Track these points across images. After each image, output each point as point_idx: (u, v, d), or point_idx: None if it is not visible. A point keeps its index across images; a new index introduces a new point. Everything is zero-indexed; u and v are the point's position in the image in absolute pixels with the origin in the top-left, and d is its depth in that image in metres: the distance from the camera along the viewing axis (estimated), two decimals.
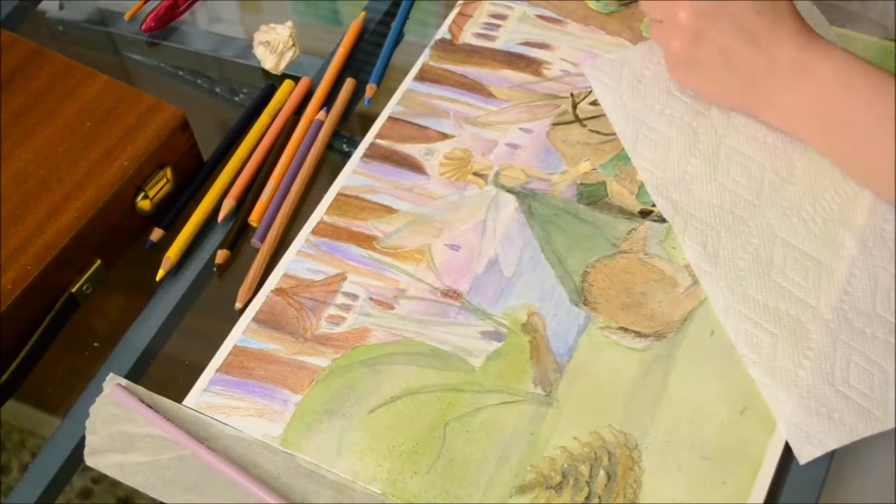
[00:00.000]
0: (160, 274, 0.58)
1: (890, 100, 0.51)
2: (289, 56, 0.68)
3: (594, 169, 0.59)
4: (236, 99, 0.68)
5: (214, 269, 0.58)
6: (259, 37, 0.68)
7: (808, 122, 0.55)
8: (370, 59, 0.68)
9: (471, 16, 0.68)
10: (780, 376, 0.50)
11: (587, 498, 0.47)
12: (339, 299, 0.55)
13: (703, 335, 0.52)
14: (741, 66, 0.56)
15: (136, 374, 0.54)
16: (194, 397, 0.52)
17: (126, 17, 0.71)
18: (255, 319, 0.54)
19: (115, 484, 0.50)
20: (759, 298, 0.52)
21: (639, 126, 0.60)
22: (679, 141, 0.59)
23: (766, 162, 0.57)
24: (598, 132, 0.61)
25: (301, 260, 0.57)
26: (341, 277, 0.56)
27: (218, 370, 0.53)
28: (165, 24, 0.71)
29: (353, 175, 0.60)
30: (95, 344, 0.56)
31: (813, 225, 0.55)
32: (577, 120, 0.61)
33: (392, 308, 0.54)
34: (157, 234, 0.60)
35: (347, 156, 0.62)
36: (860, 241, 0.54)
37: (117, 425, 0.51)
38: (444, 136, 0.62)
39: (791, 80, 0.55)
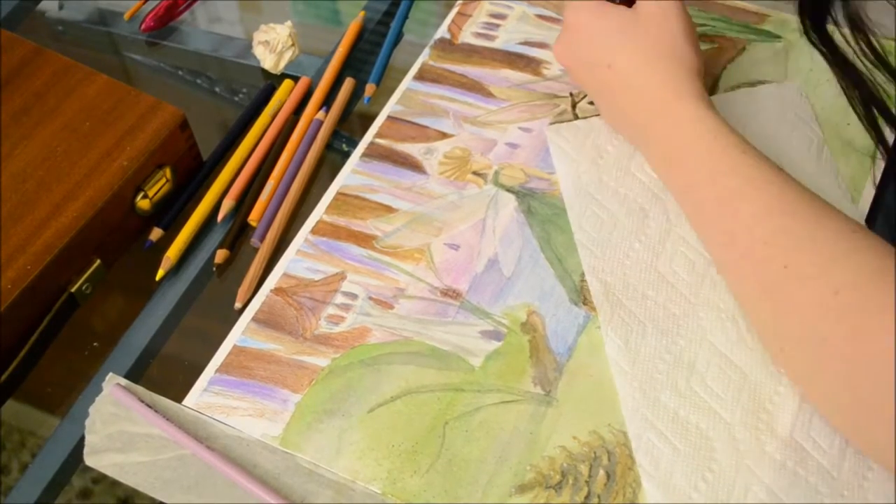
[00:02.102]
0: (160, 274, 0.58)
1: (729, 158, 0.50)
2: (288, 56, 0.68)
3: None
4: (236, 99, 0.68)
5: (214, 268, 0.58)
6: (258, 36, 0.68)
7: (660, 174, 0.56)
8: (369, 58, 0.68)
9: (470, 15, 0.68)
10: (672, 496, 0.46)
11: (586, 497, 0.47)
12: (339, 299, 0.55)
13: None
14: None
15: (136, 374, 0.54)
16: (194, 397, 0.52)
17: (125, 16, 0.71)
18: (255, 319, 0.54)
19: (115, 484, 0.50)
20: (670, 406, 0.49)
21: (588, 201, 0.57)
22: (626, 223, 0.56)
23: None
24: None
25: (300, 259, 0.57)
26: (341, 277, 0.56)
27: (217, 370, 0.53)
28: (165, 23, 0.71)
29: (352, 174, 0.60)
30: (95, 344, 0.56)
31: (747, 333, 0.51)
32: (577, 119, 0.61)
33: (391, 307, 0.54)
34: (156, 233, 0.60)
35: (347, 155, 0.62)
36: None
37: (117, 425, 0.51)
38: (444, 136, 0.62)
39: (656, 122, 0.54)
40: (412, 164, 0.61)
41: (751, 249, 0.48)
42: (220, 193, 0.61)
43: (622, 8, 0.57)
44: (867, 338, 0.43)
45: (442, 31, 0.67)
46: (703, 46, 0.64)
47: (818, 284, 0.45)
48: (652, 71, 0.54)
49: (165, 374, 0.54)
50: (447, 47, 0.66)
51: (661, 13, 0.55)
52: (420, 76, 0.65)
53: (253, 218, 0.60)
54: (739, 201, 0.49)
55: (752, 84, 0.62)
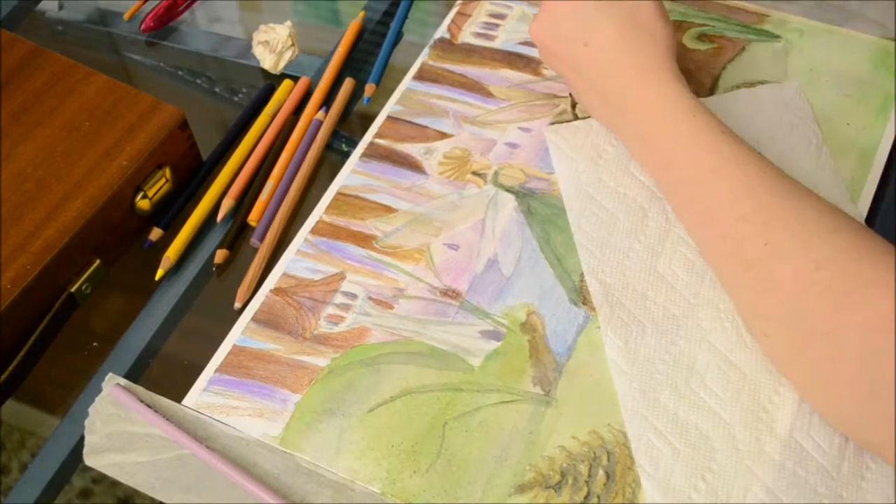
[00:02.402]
0: (159, 274, 0.58)
1: (706, 140, 0.50)
2: (288, 56, 0.68)
3: None
4: (235, 99, 0.68)
5: (213, 268, 0.58)
6: (258, 36, 0.68)
7: (636, 154, 0.56)
8: (369, 58, 0.68)
9: (470, 15, 0.68)
10: (672, 496, 0.47)
11: (586, 497, 0.47)
12: (339, 299, 0.55)
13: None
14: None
15: (136, 374, 0.54)
16: (193, 397, 0.52)
17: (125, 16, 0.71)
18: (255, 319, 0.54)
19: (114, 484, 0.50)
20: (670, 407, 0.49)
21: (588, 201, 0.57)
22: (626, 223, 0.56)
23: None
24: None
25: (300, 259, 0.57)
26: (340, 277, 0.56)
27: (217, 370, 0.53)
28: (164, 23, 0.71)
29: (352, 174, 0.60)
30: (95, 344, 0.56)
31: (746, 333, 0.51)
32: (576, 119, 0.61)
33: (391, 307, 0.54)
34: (156, 233, 0.60)
35: (346, 155, 0.62)
36: None
37: (116, 425, 0.51)
38: (443, 136, 0.62)
39: (621, 115, 0.55)
40: (412, 164, 0.61)
41: (730, 227, 0.48)
42: (219, 193, 0.61)
43: None
44: (849, 312, 0.43)
45: (441, 31, 0.67)
46: (703, 46, 0.64)
47: (799, 260, 0.45)
48: (629, 49, 0.54)
49: (165, 374, 0.54)
50: (447, 47, 0.66)
51: None
52: (420, 76, 0.65)
53: (252, 218, 0.60)
54: (718, 179, 0.49)
55: (752, 84, 0.62)
